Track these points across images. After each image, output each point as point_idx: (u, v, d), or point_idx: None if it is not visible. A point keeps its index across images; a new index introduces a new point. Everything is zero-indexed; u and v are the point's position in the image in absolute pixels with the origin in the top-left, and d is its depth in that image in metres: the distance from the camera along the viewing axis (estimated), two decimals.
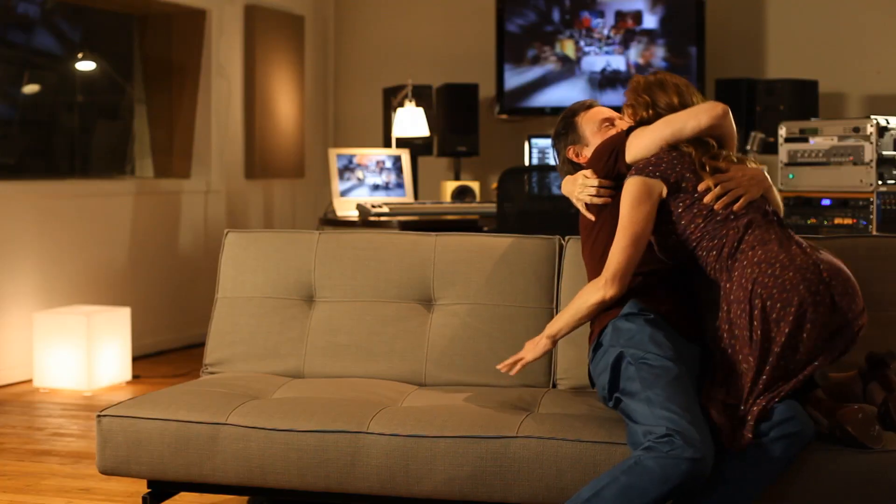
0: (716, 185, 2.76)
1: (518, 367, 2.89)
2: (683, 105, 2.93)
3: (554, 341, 2.88)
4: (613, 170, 2.90)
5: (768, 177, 2.89)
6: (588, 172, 2.97)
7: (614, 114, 3.12)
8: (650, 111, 2.95)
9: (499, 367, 2.91)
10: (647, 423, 2.51)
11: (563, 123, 3.14)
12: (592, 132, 3.09)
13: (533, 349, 2.88)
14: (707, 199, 2.75)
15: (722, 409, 2.57)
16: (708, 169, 2.79)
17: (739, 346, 2.62)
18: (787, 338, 2.56)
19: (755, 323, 2.59)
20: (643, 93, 3.00)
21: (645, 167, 2.79)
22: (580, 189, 2.97)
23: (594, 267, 2.90)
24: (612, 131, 3.04)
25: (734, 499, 2.53)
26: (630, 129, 2.93)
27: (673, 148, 2.83)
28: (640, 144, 2.86)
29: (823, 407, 2.62)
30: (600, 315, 2.83)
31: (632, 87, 3.04)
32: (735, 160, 2.87)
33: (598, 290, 2.78)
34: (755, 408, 2.54)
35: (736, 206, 2.74)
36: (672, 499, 2.47)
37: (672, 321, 2.78)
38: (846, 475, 2.55)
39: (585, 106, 3.19)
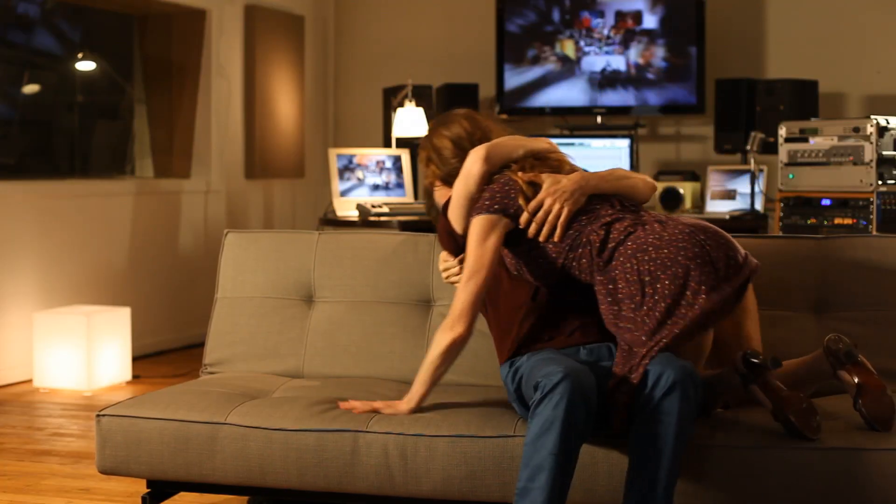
0: (532, 215, 2.77)
1: (363, 411, 2.86)
2: (477, 128, 2.97)
3: (417, 407, 2.86)
4: (460, 245, 2.91)
5: (590, 175, 2.85)
6: (444, 255, 3.05)
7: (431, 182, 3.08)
8: (437, 166, 2.98)
9: (342, 405, 2.88)
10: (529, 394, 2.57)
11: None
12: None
13: (389, 409, 2.85)
14: (530, 232, 2.77)
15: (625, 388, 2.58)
16: (525, 190, 2.81)
17: (634, 328, 2.62)
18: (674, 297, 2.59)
19: (650, 304, 2.60)
20: (422, 150, 3.03)
21: (482, 206, 2.81)
22: (444, 275, 3.07)
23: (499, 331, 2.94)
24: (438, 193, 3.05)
25: (646, 464, 2.50)
26: (445, 206, 2.96)
27: (501, 172, 2.87)
28: (457, 216, 2.88)
29: (772, 391, 2.63)
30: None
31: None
32: (556, 164, 2.90)
33: (447, 332, 2.77)
34: (644, 361, 2.55)
35: (556, 236, 2.75)
36: (577, 435, 2.47)
37: (566, 342, 2.80)
38: (830, 474, 2.56)
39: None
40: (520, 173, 2.84)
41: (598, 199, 2.81)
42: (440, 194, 3.02)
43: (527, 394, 2.66)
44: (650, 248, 2.64)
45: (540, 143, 2.98)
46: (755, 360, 2.64)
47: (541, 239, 2.77)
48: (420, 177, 6.53)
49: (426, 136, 3.03)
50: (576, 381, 2.46)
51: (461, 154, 2.92)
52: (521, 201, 2.79)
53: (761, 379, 2.65)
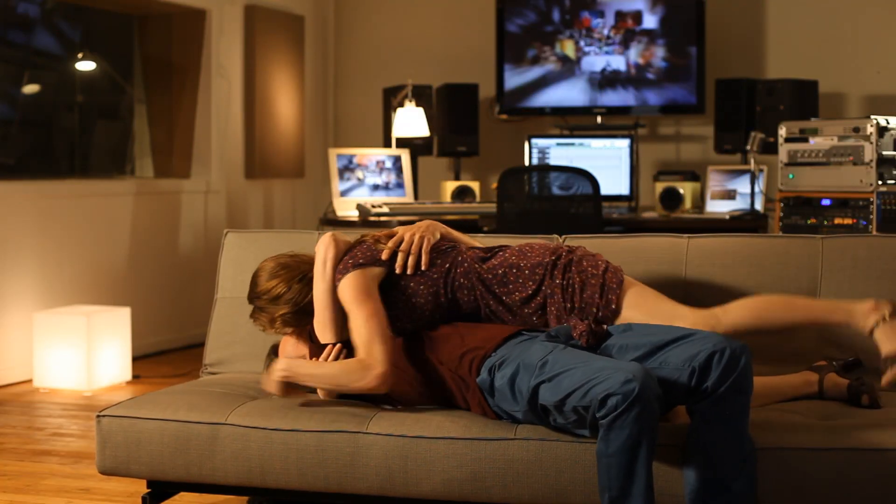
0: (390, 253, 2.90)
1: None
2: (282, 255, 3.05)
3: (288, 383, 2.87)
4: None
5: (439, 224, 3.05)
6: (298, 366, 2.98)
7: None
8: (279, 305, 2.99)
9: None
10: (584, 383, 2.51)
11: None
12: None
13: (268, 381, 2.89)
14: (398, 266, 2.89)
15: None
16: (383, 240, 2.95)
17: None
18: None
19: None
20: (256, 316, 3.05)
21: (346, 266, 2.88)
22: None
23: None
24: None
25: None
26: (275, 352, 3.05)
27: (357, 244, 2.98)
28: (325, 317, 2.90)
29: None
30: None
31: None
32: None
33: (364, 379, 2.77)
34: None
35: (423, 264, 2.89)
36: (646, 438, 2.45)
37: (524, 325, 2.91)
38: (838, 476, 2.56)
39: None
40: (371, 234, 3.00)
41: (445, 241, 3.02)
42: (291, 345, 3.02)
43: (520, 386, 2.65)
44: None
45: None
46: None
47: (409, 270, 2.88)
48: (420, 177, 6.54)
49: (253, 301, 3.02)
50: (648, 387, 2.43)
51: (289, 275, 2.97)
52: (381, 246, 2.92)
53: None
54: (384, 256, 2.90)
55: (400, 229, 2.98)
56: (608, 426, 2.42)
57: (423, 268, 2.89)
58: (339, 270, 2.89)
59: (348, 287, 2.84)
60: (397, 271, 2.89)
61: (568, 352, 2.64)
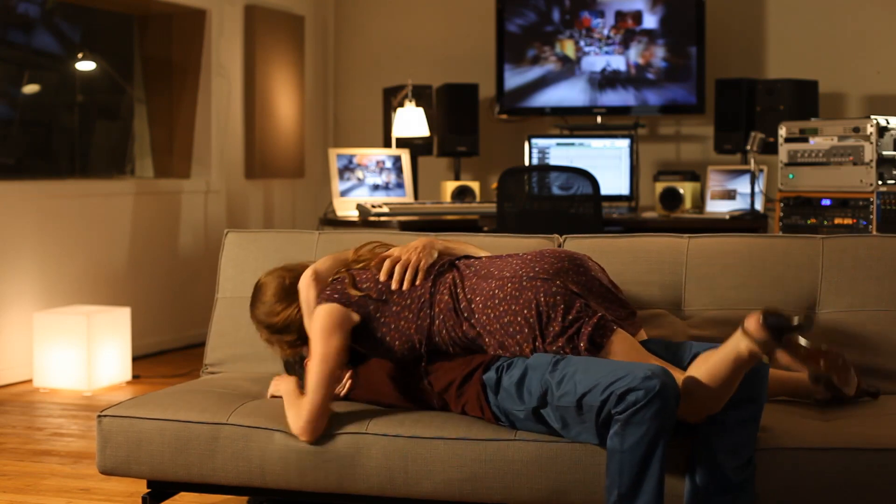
0: (392, 267, 2.87)
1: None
2: (285, 270, 3.02)
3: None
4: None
5: (437, 238, 3.03)
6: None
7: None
8: (286, 333, 3.00)
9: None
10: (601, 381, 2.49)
11: None
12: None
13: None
14: (394, 284, 2.85)
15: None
16: (374, 262, 2.92)
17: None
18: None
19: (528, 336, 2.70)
20: (263, 335, 3.06)
21: (326, 295, 2.84)
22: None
23: None
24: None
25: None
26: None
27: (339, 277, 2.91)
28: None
29: (803, 352, 2.43)
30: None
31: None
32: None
33: (293, 426, 2.78)
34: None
35: (418, 280, 2.85)
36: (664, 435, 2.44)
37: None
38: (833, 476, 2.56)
39: None
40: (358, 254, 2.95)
41: (443, 259, 2.94)
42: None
43: (530, 386, 2.63)
44: (496, 296, 2.77)
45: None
46: (782, 321, 2.41)
47: (406, 285, 2.84)
48: (420, 177, 6.54)
49: (255, 321, 3.03)
50: (668, 385, 2.43)
51: (289, 298, 2.95)
52: (372, 266, 2.90)
53: (787, 340, 2.43)
54: (382, 276, 2.86)
55: (395, 250, 2.94)
56: (625, 421, 2.42)
57: (417, 282, 2.85)
58: (319, 297, 2.86)
59: (319, 317, 2.82)
60: (393, 286, 2.85)
61: (578, 357, 2.64)
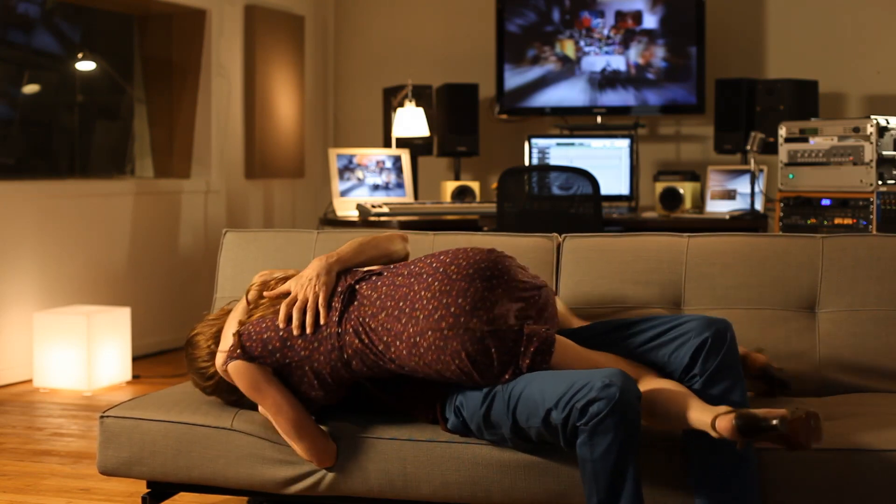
0: (289, 311, 2.69)
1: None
2: (207, 325, 2.92)
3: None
4: None
5: (331, 254, 2.79)
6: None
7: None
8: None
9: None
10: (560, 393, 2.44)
11: None
12: None
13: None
14: (295, 328, 2.67)
15: None
16: (268, 307, 2.75)
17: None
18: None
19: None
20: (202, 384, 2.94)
21: (233, 353, 2.71)
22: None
23: None
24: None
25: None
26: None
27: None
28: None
29: (774, 436, 2.37)
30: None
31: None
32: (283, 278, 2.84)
33: (314, 462, 2.73)
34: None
35: (322, 318, 2.67)
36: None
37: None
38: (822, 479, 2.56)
39: None
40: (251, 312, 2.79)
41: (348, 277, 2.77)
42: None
43: (496, 418, 2.57)
44: (403, 314, 2.63)
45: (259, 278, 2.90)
46: (758, 425, 2.36)
47: (308, 330, 2.66)
48: (420, 177, 6.54)
49: (190, 378, 2.94)
50: (628, 389, 2.41)
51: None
52: (269, 313, 2.73)
53: (763, 435, 2.38)
54: (281, 323, 2.67)
55: (290, 283, 2.75)
56: (591, 431, 2.40)
57: (321, 321, 2.66)
58: (225, 360, 2.74)
59: (238, 379, 2.70)
60: (295, 332, 2.67)
61: (529, 374, 2.57)
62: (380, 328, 2.63)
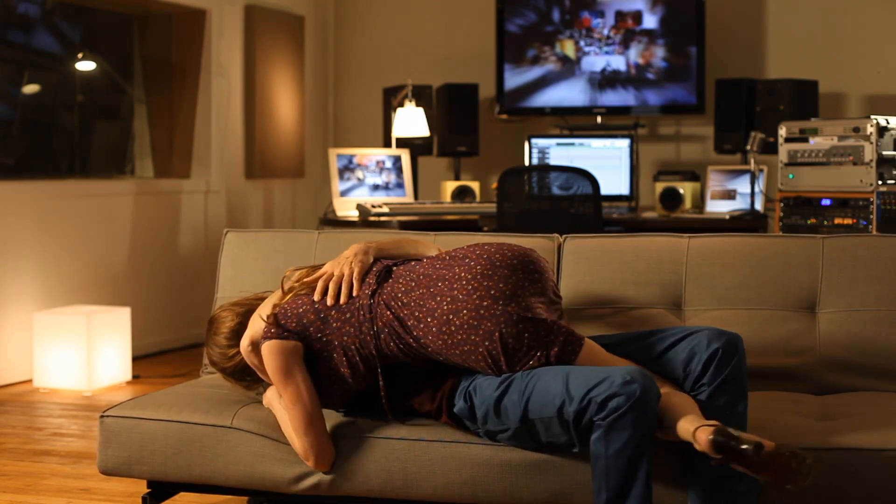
0: (326, 285, 2.74)
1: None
2: (238, 305, 2.93)
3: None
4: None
5: (371, 242, 2.86)
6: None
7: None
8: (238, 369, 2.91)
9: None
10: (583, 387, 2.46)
11: None
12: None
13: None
14: (329, 300, 2.72)
15: None
16: (305, 287, 2.78)
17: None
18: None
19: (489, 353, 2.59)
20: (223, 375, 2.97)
21: (268, 332, 2.72)
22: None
23: None
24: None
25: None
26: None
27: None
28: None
29: (756, 464, 2.36)
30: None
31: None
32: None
33: (306, 461, 2.73)
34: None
35: (355, 290, 2.72)
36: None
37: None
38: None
39: None
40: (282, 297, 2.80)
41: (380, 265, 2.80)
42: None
43: (508, 404, 2.57)
44: (443, 310, 2.64)
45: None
46: (730, 445, 2.34)
47: (342, 300, 2.71)
48: (420, 177, 6.54)
49: (209, 360, 2.94)
50: (648, 388, 2.42)
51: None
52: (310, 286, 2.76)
53: (736, 458, 2.37)
54: (317, 296, 2.73)
55: (327, 266, 2.82)
56: (608, 427, 2.41)
57: (355, 293, 2.72)
58: (259, 340, 2.75)
59: (268, 360, 2.72)
60: (329, 303, 2.72)
61: (550, 367, 2.59)
62: (412, 303, 2.67)
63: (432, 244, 2.99)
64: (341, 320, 2.72)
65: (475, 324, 2.59)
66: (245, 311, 2.89)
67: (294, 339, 2.72)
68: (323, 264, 2.89)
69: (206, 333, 2.95)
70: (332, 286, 2.75)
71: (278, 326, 2.72)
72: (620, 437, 2.40)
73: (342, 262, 2.79)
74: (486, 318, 2.58)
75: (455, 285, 2.64)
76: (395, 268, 2.78)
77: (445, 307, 2.62)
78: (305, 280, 2.82)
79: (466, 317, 2.60)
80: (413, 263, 2.78)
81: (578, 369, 2.54)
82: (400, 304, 2.68)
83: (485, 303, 2.59)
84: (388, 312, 2.68)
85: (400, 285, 2.71)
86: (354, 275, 2.75)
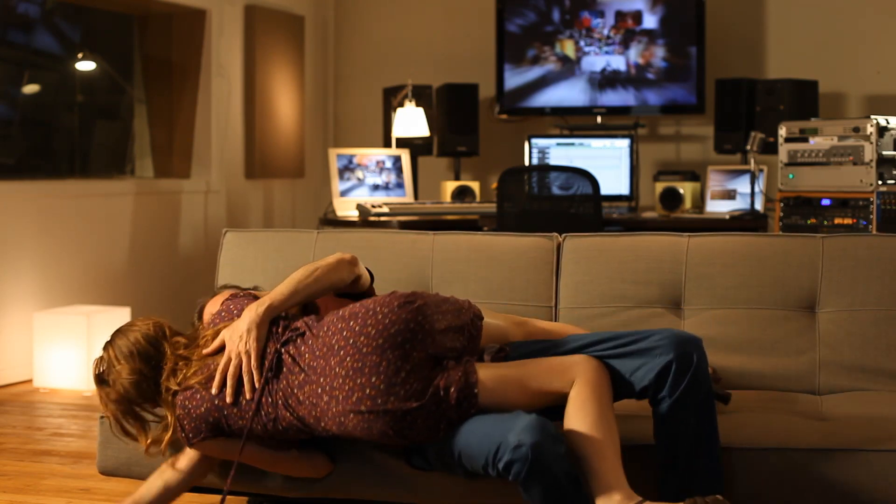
0: (220, 382, 2.62)
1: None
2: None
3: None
4: None
5: (267, 299, 2.68)
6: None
7: None
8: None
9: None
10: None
11: None
12: None
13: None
14: (228, 398, 2.60)
15: None
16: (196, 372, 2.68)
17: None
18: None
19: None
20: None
21: (191, 435, 2.66)
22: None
23: None
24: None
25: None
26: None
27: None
28: None
29: None
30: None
31: None
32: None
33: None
34: None
35: (256, 382, 2.60)
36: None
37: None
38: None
39: None
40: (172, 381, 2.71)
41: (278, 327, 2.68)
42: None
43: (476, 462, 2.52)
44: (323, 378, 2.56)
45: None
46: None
47: (247, 396, 2.59)
48: (420, 177, 6.54)
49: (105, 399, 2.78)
50: (542, 442, 2.36)
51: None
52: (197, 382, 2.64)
53: None
54: (214, 390, 2.61)
55: (224, 333, 2.70)
56: (522, 485, 2.39)
57: (257, 385, 2.59)
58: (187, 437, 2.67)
59: (205, 455, 2.72)
60: (228, 401, 2.60)
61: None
62: (307, 401, 2.56)
63: (341, 264, 2.79)
64: (246, 418, 2.61)
65: (367, 426, 2.51)
66: (170, 367, 2.80)
67: (211, 436, 2.66)
68: (230, 298, 2.84)
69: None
70: (229, 381, 2.61)
71: (186, 434, 2.66)
72: (537, 488, 2.38)
73: (237, 340, 2.64)
74: (374, 421, 2.49)
75: (334, 383, 2.53)
76: (283, 350, 2.61)
77: (334, 409, 2.53)
78: (205, 352, 2.72)
79: (355, 420, 2.51)
80: (299, 343, 2.62)
81: (479, 429, 2.46)
82: (297, 401, 2.57)
83: (363, 406, 2.49)
84: (288, 413, 2.58)
85: (292, 378, 2.59)
86: (253, 363, 2.60)
